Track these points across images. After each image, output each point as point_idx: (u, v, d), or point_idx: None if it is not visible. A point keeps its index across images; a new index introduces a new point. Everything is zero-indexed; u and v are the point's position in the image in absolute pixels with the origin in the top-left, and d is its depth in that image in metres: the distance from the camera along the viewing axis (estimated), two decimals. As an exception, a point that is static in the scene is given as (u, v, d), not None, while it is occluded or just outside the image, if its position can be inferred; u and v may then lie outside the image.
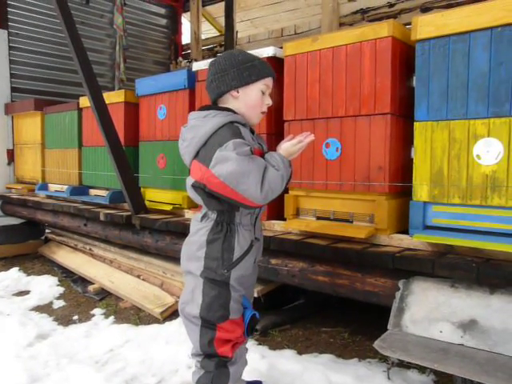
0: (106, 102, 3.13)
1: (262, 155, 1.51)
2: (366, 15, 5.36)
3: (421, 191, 1.89)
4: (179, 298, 1.67)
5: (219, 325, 1.53)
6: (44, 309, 3.09)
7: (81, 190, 3.91)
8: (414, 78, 1.93)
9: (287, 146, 1.56)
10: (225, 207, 1.51)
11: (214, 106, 1.58)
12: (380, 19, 5.17)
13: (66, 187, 3.99)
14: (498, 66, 1.68)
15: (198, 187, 1.50)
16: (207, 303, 1.52)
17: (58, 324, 2.81)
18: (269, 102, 1.60)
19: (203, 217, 1.56)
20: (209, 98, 1.63)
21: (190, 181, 1.56)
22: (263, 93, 1.57)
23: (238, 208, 1.51)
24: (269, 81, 1.59)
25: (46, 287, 3.47)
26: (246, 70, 1.54)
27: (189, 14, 6.95)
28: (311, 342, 2.50)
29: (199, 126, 1.49)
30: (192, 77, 2.89)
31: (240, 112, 1.55)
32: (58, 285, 3.57)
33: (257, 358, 2.16)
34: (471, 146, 1.75)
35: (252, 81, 1.54)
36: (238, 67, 1.54)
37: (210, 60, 2.72)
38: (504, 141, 1.68)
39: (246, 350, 1.75)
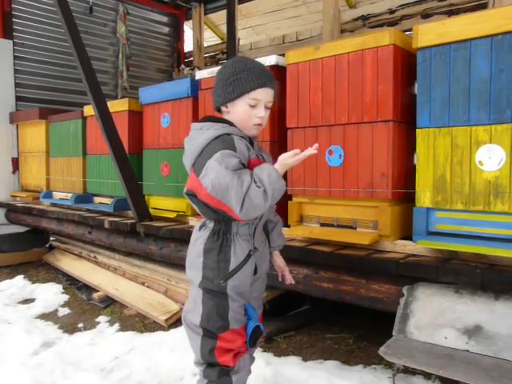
0: (110, 110, 3.16)
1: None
2: (367, 22, 5.39)
3: (424, 197, 1.90)
4: (184, 305, 1.68)
5: (219, 335, 1.51)
6: (49, 317, 3.11)
7: (85, 197, 3.94)
8: (416, 85, 1.95)
9: (282, 158, 1.48)
10: (221, 216, 1.49)
11: (212, 116, 1.57)
12: (381, 26, 5.20)
13: (70, 195, 4.02)
14: (499, 73, 1.70)
15: (192, 195, 1.51)
16: (206, 313, 1.51)
17: (63, 332, 2.82)
18: (260, 113, 1.51)
19: (202, 226, 1.56)
20: None
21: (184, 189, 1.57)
22: (253, 106, 1.50)
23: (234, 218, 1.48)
24: (257, 93, 1.49)
25: (51, 295, 3.48)
26: (230, 86, 1.50)
27: (191, 21, 7.01)
28: (316, 348, 2.50)
29: (195, 137, 1.49)
30: (195, 85, 2.92)
31: (235, 124, 1.53)
32: (62, 292, 3.58)
33: (262, 365, 2.16)
34: (473, 153, 1.77)
35: (235, 97, 1.50)
36: (224, 82, 1.51)
37: (213, 68, 2.76)
38: (506, 147, 1.69)
39: (253, 359, 1.74)
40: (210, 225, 1.53)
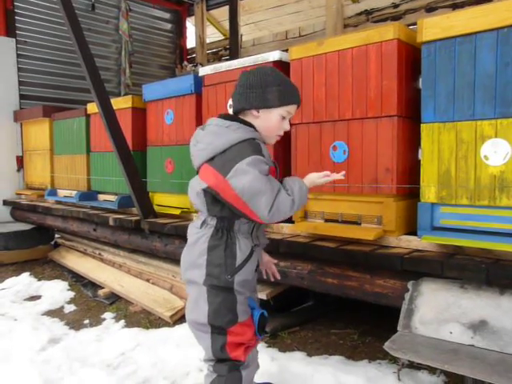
0: (114, 107, 3.16)
1: (275, 172, 1.56)
2: (371, 16, 5.36)
3: (428, 192, 1.90)
4: (185, 308, 1.68)
5: (229, 329, 1.54)
6: (55, 313, 3.13)
7: (90, 195, 3.95)
8: (420, 79, 1.94)
9: (313, 177, 1.62)
10: (226, 214, 1.52)
11: (238, 117, 1.58)
12: (385, 20, 5.17)
13: (74, 192, 4.03)
14: (505, 66, 1.68)
15: (209, 193, 1.51)
16: (214, 309, 1.53)
17: (69, 328, 2.84)
18: (287, 127, 1.61)
19: (203, 223, 1.57)
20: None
21: (198, 184, 1.56)
22: (283, 117, 1.58)
23: (238, 216, 1.52)
24: (292, 108, 1.59)
25: (57, 292, 3.50)
26: (271, 94, 1.54)
27: (193, 18, 7.00)
28: (321, 343, 2.50)
29: (220, 134, 1.50)
30: (199, 81, 2.92)
31: (258, 130, 1.56)
32: (68, 289, 3.60)
33: (267, 360, 2.17)
34: (478, 147, 1.76)
35: (274, 106, 1.55)
36: (264, 89, 1.54)
37: (216, 65, 2.76)
38: (511, 141, 1.68)
39: (257, 352, 1.76)
40: (212, 222, 1.55)
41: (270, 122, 1.57)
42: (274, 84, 1.55)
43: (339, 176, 1.64)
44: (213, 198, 1.51)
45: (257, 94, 1.54)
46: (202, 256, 1.54)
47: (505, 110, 1.69)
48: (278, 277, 1.86)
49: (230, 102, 2.65)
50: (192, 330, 1.65)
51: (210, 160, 1.50)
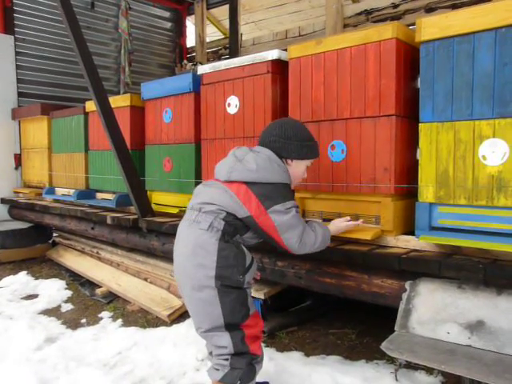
0: (112, 106, 3.15)
1: None
2: (371, 16, 5.34)
3: (426, 192, 1.89)
4: (193, 321, 1.74)
5: (243, 324, 1.64)
6: (52, 312, 3.12)
7: (88, 193, 3.94)
8: (419, 79, 1.94)
9: (336, 222, 1.98)
10: (230, 219, 1.67)
11: (279, 157, 1.79)
12: (384, 20, 5.16)
13: (72, 191, 4.02)
14: (503, 66, 1.68)
15: (245, 218, 1.67)
16: (230, 308, 1.61)
17: (66, 327, 2.83)
18: (306, 175, 1.92)
19: (210, 226, 1.63)
20: (260, 142, 1.85)
21: (226, 191, 1.69)
22: (307, 167, 1.89)
23: (243, 232, 1.71)
24: (314, 160, 1.92)
25: (54, 291, 3.49)
26: (306, 148, 1.82)
27: (193, 16, 6.99)
28: (318, 343, 2.50)
29: (265, 168, 1.70)
30: (197, 80, 2.91)
31: None
32: (65, 288, 3.59)
33: (265, 360, 2.13)
34: (476, 147, 1.75)
35: (306, 157, 1.85)
36: (301, 143, 1.81)
37: (214, 63, 2.75)
38: (509, 141, 1.67)
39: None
40: (219, 226, 1.63)
41: (299, 170, 1.85)
42: (308, 139, 1.85)
43: (360, 223, 2.00)
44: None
45: (296, 147, 1.80)
46: (211, 257, 1.60)
47: (503, 110, 1.69)
48: (257, 277, 1.97)
49: (229, 100, 2.65)
50: (205, 336, 1.71)
51: (251, 184, 1.68)
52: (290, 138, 1.79)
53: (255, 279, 1.92)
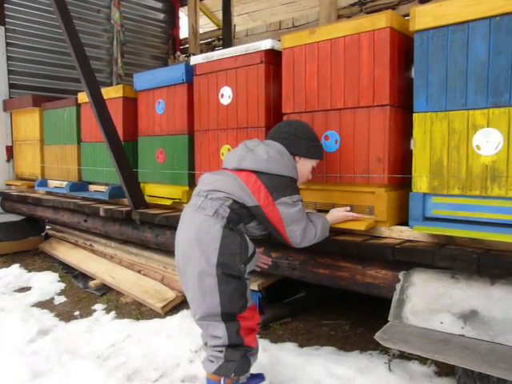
0: (105, 97, 3.12)
1: None
2: (364, 7, 5.33)
3: (420, 182, 1.89)
4: (190, 306, 1.72)
5: (240, 315, 1.64)
6: (45, 305, 3.10)
7: (80, 185, 3.91)
8: (413, 68, 1.92)
9: (336, 211, 2.01)
10: (236, 208, 1.67)
11: (289, 148, 1.82)
12: (378, 11, 5.12)
13: (65, 183, 3.98)
14: (497, 55, 1.67)
15: (253, 207, 1.68)
16: (228, 297, 1.60)
17: (59, 320, 2.82)
18: (311, 177, 1.97)
19: (215, 213, 1.63)
20: (269, 137, 1.90)
21: (236, 179, 1.70)
22: (313, 168, 1.94)
23: (248, 220, 1.72)
24: (319, 162, 1.98)
25: (47, 283, 3.47)
26: (313, 147, 1.89)
27: (186, 8, 6.92)
28: (312, 334, 2.50)
29: (275, 159, 1.74)
30: (190, 71, 2.87)
31: None
32: (58, 281, 3.57)
33: (259, 351, 2.16)
34: (471, 137, 1.74)
35: (314, 157, 1.91)
36: (310, 142, 1.88)
37: (207, 53, 2.72)
38: (503, 131, 1.67)
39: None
40: (225, 213, 1.63)
41: (305, 169, 1.90)
42: (316, 140, 1.92)
43: (359, 216, 2.00)
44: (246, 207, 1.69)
45: (304, 145, 1.85)
46: (214, 244, 1.59)
47: (497, 100, 1.68)
48: (270, 261, 2.06)
49: (222, 91, 2.62)
50: (201, 324, 1.71)
51: (260, 173, 1.70)
52: (299, 136, 1.85)
53: (266, 266, 2.03)
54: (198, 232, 1.62)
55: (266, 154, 1.73)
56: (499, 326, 1.52)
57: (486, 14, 1.68)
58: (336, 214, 1.98)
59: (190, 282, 1.65)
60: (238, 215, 1.66)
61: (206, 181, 1.79)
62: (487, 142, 1.71)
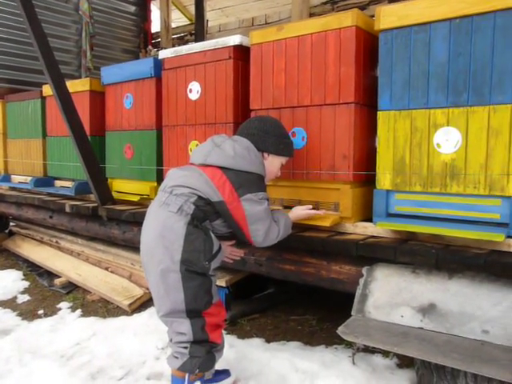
0: (71, 90, 3.04)
1: None
2: (336, 6, 5.37)
3: (384, 179, 1.92)
4: (155, 303, 1.71)
5: (205, 311, 1.63)
6: (7, 304, 3.01)
7: (46, 181, 3.80)
8: (378, 67, 1.95)
9: (295, 209, 1.99)
10: (201, 205, 1.65)
11: (256, 145, 1.81)
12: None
13: (30, 178, 3.87)
14: (457, 56, 1.71)
15: (217, 202, 1.66)
16: (192, 293, 1.60)
17: (22, 319, 2.75)
18: (279, 174, 1.96)
19: (179, 209, 1.61)
20: (238, 133, 1.88)
21: (201, 175, 1.68)
22: (282, 165, 1.93)
23: (214, 218, 1.70)
24: (289, 159, 1.97)
25: (10, 282, 3.38)
26: (283, 144, 1.88)
27: (158, 1, 6.81)
28: (279, 330, 2.52)
29: (242, 156, 1.72)
30: (158, 65, 2.84)
31: None
32: (22, 279, 3.48)
33: (225, 347, 2.16)
34: (432, 135, 1.79)
35: (283, 154, 1.89)
36: (279, 139, 1.86)
37: (176, 48, 2.69)
38: (462, 130, 1.72)
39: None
40: (189, 210, 1.61)
41: (274, 166, 1.89)
42: (284, 137, 1.90)
43: (321, 213, 2.00)
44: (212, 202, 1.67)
45: (273, 141, 1.84)
46: (177, 241, 1.58)
47: (456, 99, 1.73)
48: (242, 253, 2.06)
49: (190, 86, 2.60)
50: (165, 321, 1.70)
51: (226, 169, 1.69)
52: (268, 133, 1.84)
53: (239, 258, 2.04)
54: (162, 229, 1.61)
55: (232, 150, 1.72)
56: (455, 318, 1.58)
57: (447, 16, 1.72)
58: (298, 213, 1.98)
59: (154, 278, 1.63)
60: (203, 212, 1.65)
61: (171, 176, 1.77)
62: (447, 141, 1.76)
